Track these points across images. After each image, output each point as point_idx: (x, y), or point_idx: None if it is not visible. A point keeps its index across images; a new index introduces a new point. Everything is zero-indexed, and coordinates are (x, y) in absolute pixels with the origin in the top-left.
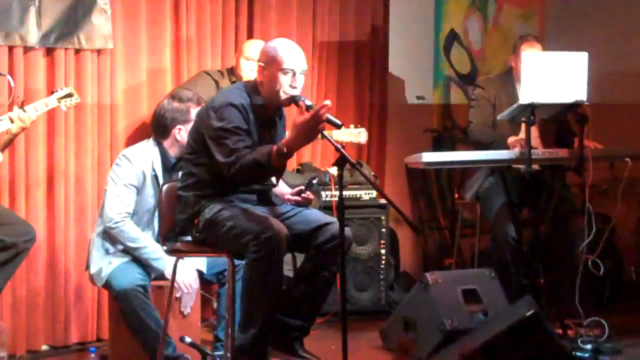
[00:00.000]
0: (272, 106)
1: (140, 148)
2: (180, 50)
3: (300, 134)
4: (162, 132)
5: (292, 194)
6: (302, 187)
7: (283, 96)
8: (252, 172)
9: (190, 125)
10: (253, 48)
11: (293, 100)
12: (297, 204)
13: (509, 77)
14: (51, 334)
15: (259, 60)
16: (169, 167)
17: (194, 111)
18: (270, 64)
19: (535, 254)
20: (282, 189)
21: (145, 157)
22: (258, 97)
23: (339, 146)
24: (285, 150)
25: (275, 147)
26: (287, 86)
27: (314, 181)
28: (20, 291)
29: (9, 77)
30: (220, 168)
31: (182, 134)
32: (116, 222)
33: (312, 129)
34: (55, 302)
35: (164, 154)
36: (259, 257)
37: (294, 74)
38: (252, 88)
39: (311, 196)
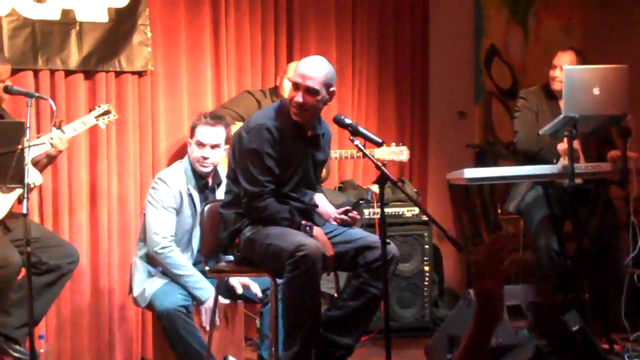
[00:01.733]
0: (303, 123)
1: (175, 169)
2: (221, 71)
3: (320, 238)
4: None
5: (339, 213)
6: (349, 207)
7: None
8: (267, 219)
9: (194, 140)
10: None
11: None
12: (343, 223)
13: (549, 90)
14: (96, 355)
15: (331, 85)
16: (200, 186)
17: (202, 128)
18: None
19: (579, 268)
20: (327, 208)
21: (180, 177)
22: (288, 116)
23: (380, 164)
24: (308, 230)
25: (302, 223)
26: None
27: (361, 201)
28: (64, 312)
29: (50, 100)
30: (241, 193)
31: (190, 147)
32: (162, 248)
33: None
34: (99, 323)
35: (196, 172)
36: (295, 275)
37: (297, 88)
38: (284, 107)
39: (358, 216)
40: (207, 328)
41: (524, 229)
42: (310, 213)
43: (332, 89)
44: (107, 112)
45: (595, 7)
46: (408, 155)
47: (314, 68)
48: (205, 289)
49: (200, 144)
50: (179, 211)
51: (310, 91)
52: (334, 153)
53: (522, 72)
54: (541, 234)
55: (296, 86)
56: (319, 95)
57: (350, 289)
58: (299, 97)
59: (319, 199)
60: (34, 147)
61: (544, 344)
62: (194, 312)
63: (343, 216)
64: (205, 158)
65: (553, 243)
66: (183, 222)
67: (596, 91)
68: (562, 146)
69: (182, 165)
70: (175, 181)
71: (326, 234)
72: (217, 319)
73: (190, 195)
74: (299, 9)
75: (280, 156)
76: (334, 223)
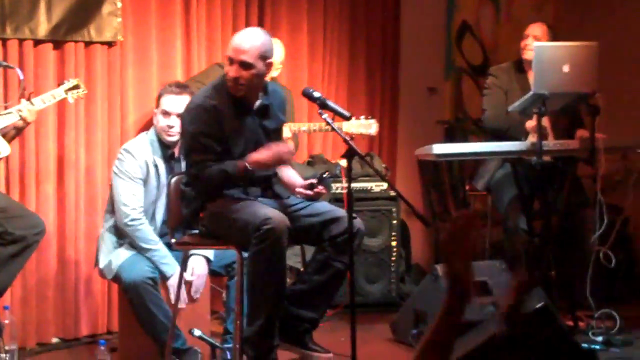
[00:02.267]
0: (244, 97)
1: (140, 140)
2: (191, 44)
3: (267, 160)
4: None
5: (304, 187)
6: (314, 181)
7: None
8: (216, 180)
9: (160, 110)
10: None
11: None
12: (308, 198)
13: (521, 66)
14: (61, 326)
15: (268, 56)
16: (166, 157)
17: (167, 97)
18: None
19: (546, 246)
20: (294, 178)
21: (146, 148)
22: (229, 91)
23: (348, 138)
24: (250, 167)
25: (243, 163)
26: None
27: (325, 175)
28: (30, 284)
29: (18, 70)
30: (187, 174)
31: (156, 117)
32: (132, 220)
33: (276, 163)
34: (65, 294)
35: (162, 143)
36: (261, 249)
37: (231, 62)
38: (224, 83)
39: (323, 190)
40: (174, 303)
41: (492, 206)
42: (270, 182)
43: (268, 60)
44: (76, 87)
45: None
46: (377, 128)
47: (248, 41)
48: (171, 265)
49: (166, 113)
50: (145, 182)
51: (244, 65)
52: (303, 126)
53: (493, 49)
54: (510, 213)
55: (231, 61)
56: (254, 69)
57: (315, 263)
58: (232, 72)
59: (286, 171)
60: (1, 118)
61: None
62: (160, 285)
63: (307, 191)
64: (170, 127)
65: (522, 222)
66: (148, 194)
67: (566, 68)
68: (531, 124)
69: (148, 136)
70: (140, 152)
71: (292, 206)
72: (184, 296)
73: (156, 166)
74: None
75: (226, 133)
76: (298, 197)
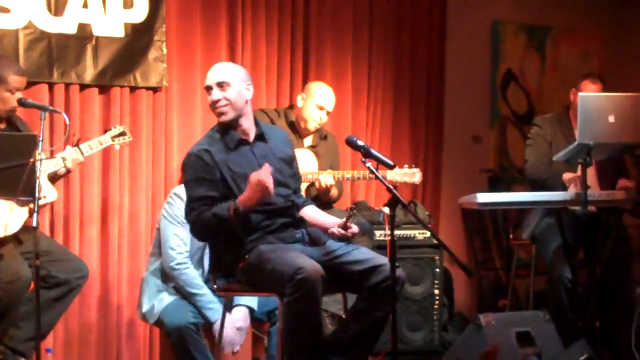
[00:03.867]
0: (238, 130)
1: None
2: None
3: (252, 195)
4: None
5: (339, 226)
6: (345, 221)
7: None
8: (210, 224)
9: None
10: (327, 99)
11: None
12: (342, 237)
13: (567, 116)
14: None
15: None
16: None
17: None
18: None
19: (590, 297)
20: (323, 219)
21: None
22: (221, 133)
23: (391, 187)
24: (241, 208)
25: (232, 206)
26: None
27: (354, 211)
28: (72, 327)
29: (64, 114)
30: (188, 221)
31: None
32: (178, 264)
33: (261, 193)
34: (107, 338)
35: None
36: (294, 298)
37: (209, 89)
38: (216, 130)
39: (356, 229)
40: (235, 350)
41: (536, 255)
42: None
43: (246, 82)
44: (122, 134)
45: (612, 35)
46: (420, 177)
47: (220, 67)
48: (217, 310)
49: None
50: None
51: (220, 84)
52: (347, 174)
53: (538, 98)
54: (555, 264)
55: (208, 89)
56: (232, 87)
57: (356, 311)
58: (212, 96)
59: (312, 210)
60: (48, 164)
61: None
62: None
63: (341, 230)
64: None
65: (566, 272)
66: (196, 240)
67: (611, 119)
68: (567, 176)
69: None
70: None
71: (331, 252)
72: (232, 338)
73: None
74: (316, 29)
75: (224, 173)
76: (332, 238)
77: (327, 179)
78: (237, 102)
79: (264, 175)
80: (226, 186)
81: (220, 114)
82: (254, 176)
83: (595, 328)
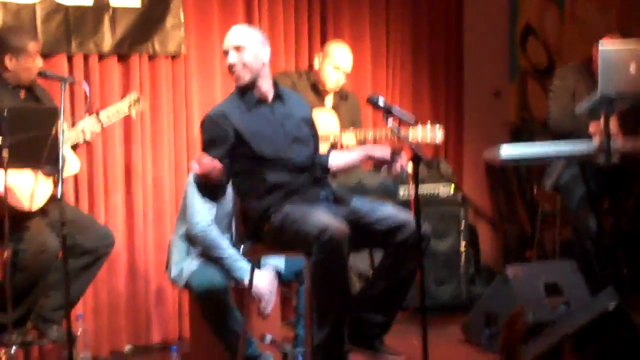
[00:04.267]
0: (256, 92)
1: None
2: None
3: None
4: None
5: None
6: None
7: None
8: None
9: None
10: (342, 55)
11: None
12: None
13: (588, 67)
14: (133, 334)
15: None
16: None
17: None
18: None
19: (617, 245)
20: (356, 154)
21: None
22: (239, 96)
23: (414, 145)
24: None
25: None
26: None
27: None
28: (102, 294)
29: (85, 83)
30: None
31: None
32: (202, 228)
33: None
34: (136, 303)
35: None
36: (321, 258)
37: (226, 53)
38: (234, 92)
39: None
40: (265, 314)
41: (561, 207)
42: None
43: (264, 45)
44: (137, 100)
45: None
46: (443, 135)
47: (236, 31)
48: (244, 269)
49: None
50: None
51: (237, 48)
52: (369, 133)
53: (557, 51)
54: (580, 214)
55: (225, 52)
56: (249, 49)
57: (383, 268)
58: (230, 59)
59: (337, 156)
60: (70, 134)
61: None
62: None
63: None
64: None
65: (592, 222)
66: (224, 206)
67: (633, 69)
68: (595, 127)
69: None
70: None
71: (356, 211)
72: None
73: None
74: None
75: (245, 132)
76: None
77: (348, 139)
78: (253, 65)
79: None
80: (244, 145)
81: (237, 78)
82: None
83: (622, 275)
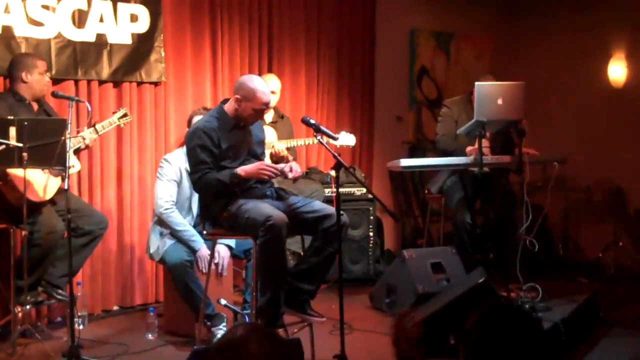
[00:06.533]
0: (240, 121)
1: (176, 152)
2: (217, 83)
3: (254, 171)
4: None
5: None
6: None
7: (250, 120)
8: (213, 186)
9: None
10: (269, 80)
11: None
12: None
13: (469, 101)
14: (120, 297)
15: (235, 93)
16: None
17: (196, 117)
18: (249, 97)
19: (486, 235)
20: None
21: (180, 158)
22: (224, 114)
23: (337, 155)
24: (241, 175)
25: (234, 172)
26: (256, 114)
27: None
28: (97, 265)
29: (87, 103)
30: (191, 180)
31: None
32: (165, 209)
33: (259, 173)
34: (123, 273)
35: None
36: (265, 239)
37: (265, 107)
38: (221, 110)
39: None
40: (204, 271)
41: (445, 206)
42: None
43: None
44: (125, 115)
45: (500, 40)
46: (355, 140)
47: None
48: (198, 241)
49: None
50: (179, 183)
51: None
52: (299, 141)
53: (444, 87)
54: (458, 211)
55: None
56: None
57: (312, 248)
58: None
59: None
60: (73, 141)
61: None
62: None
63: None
64: None
65: (467, 218)
66: (183, 192)
67: (500, 101)
68: (471, 149)
69: (183, 149)
70: (176, 160)
71: (293, 204)
72: (224, 271)
73: (188, 171)
74: (278, 37)
75: (224, 147)
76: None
77: (280, 145)
78: None
79: (264, 167)
80: (220, 155)
81: (248, 121)
82: (261, 164)
83: (489, 259)
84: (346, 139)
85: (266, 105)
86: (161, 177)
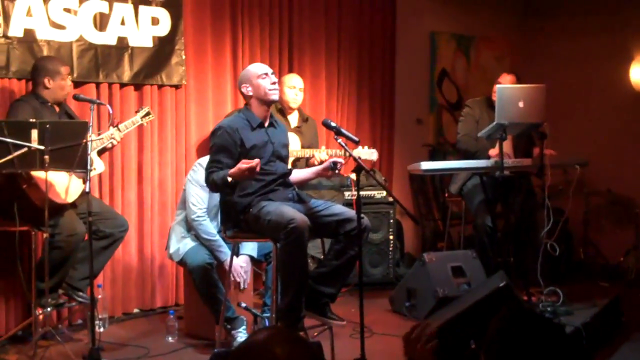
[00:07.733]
0: (262, 113)
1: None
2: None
3: (234, 171)
4: None
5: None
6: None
7: (270, 95)
8: (215, 184)
9: None
10: (292, 78)
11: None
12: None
13: (490, 102)
14: (141, 299)
15: (241, 85)
16: None
17: None
18: (250, 79)
19: (506, 239)
20: (307, 171)
21: None
22: (249, 113)
23: (357, 157)
24: (229, 179)
25: (226, 175)
26: (270, 85)
27: (339, 165)
28: (117, 268)
29: (108, 106)
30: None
31: None
32: (198, 217)
33: (245, 174)
34: (144, 276)
35: None
36: (287, 242)
37: (269, 74)
38: (246, 110)
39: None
40: (242, 286)
41: (465, 209)
42: (286, 182)
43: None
44: (148, 114)
45: (519, 41)
46: (377, 155)
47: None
48: (225, 252)
49: None
50: None
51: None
52: (330, 151)
53: (465, 90)
54: (479, 214)
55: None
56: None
57: (333, 252)
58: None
59: (295, 173)
60: (96, 142)
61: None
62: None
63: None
64: None
65: (488, 221)
66: (213, 199)
67: (521, 104)
68: (494, 152)
69: None
70: None
71: (313, 208)
72: (246, 284)
73: None
74: (298, 40)
75: (247, 144)
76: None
77: (321, 155)
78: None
79: (247, 167)
80: (243, 154)
81: (270, 97)
82: (243, 165)
83: (510, 262)
84: (367, 154)
85: (267, 71)
86: (194, 181)
